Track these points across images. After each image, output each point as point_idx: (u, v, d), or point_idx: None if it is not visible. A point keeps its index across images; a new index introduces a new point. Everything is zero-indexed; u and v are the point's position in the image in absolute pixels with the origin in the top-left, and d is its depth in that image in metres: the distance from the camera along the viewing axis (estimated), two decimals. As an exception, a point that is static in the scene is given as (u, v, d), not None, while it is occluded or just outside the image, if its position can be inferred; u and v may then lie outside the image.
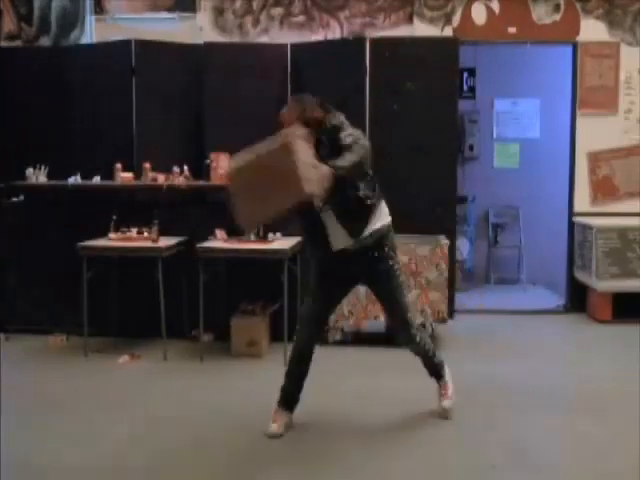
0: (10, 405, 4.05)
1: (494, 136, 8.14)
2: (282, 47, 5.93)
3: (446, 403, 3.97)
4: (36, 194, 5.78)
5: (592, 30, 6.43)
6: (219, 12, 6.54)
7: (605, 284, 6.18)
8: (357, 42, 5.96)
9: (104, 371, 4.90)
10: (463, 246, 7.58)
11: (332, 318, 5.44)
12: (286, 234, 5.35)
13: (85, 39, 6.58)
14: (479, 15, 6.46)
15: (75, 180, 5.63)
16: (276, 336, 5.27)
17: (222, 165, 5.47)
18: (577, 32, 6.45)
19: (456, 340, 5.52)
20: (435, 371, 4.02)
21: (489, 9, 6.45)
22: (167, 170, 5.56)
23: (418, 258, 5.30)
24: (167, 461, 3.48)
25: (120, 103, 5.81)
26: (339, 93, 5.76)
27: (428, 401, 4.27)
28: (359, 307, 5.36)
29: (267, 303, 5.39)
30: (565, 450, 3.64)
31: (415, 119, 5.73)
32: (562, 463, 3.47)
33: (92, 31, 6.61)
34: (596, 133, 6.46)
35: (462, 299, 6.49)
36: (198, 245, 5.12)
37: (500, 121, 8.14)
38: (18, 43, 6.64)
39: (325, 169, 3.28)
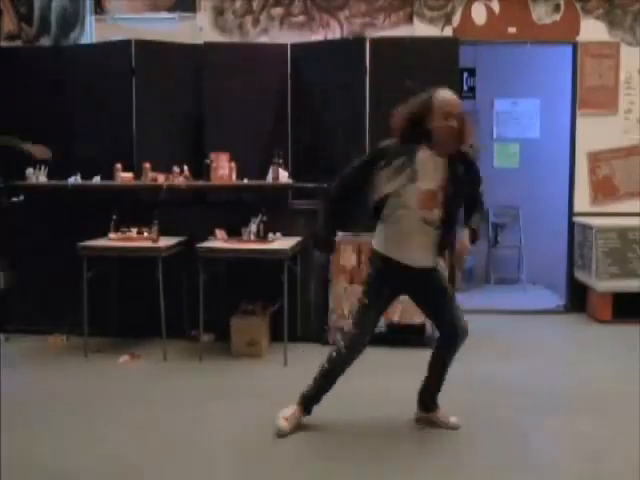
0: (10, 405, 4.05)
1: (494, 136, 8.15)
2: (282, 47, 5.93)
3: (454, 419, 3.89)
4: (36, 194, 5.78)
5: (592, 30, 6.43)
6: (219, 12, 6.54)
7: (605, 284, 6.18)
8: (357, 42, 5.96)
9: (104, 371, 4.90)
10: (463, 246, 7.57)
11: (332, 318, 5.45)
12: (286, 234, 5.36)
13: (85, 39, 6.58)
14: (479, 15, 6.46)
15: (75, 180, 5.62)
16: (276, 336, 5.27)
17: (222, 165, 5.48)
18: (577, 32, 6.45)
19: (456, 340, 5.51)
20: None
21: (489, 9, 6.45)
22: (167, 170, 5.56)
23: (418, 258, 5.29)
24: (167, 461, 3.48)
25: (120, 103, 5.80)
26: (339, 93, 5.79)
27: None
28: (359, 307, 5.36)
29: (267, 303, 5.39)
30: (565, 450, 3.64)
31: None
32: (562, 463, 3.47)
33: (92, 31, 6.61)
34: (596, 133, 6.46)
35: (462, 299, 6.48)
36: (198, 245, 5.12)
37: (500, 121, 8.15)
38: (18, 43, 6.64)
39: (467, 243, 3.57)
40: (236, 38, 6.49)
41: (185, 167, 5.58)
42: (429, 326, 5.50)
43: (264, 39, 6.46)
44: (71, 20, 6.63)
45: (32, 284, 5.76)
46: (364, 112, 5.73)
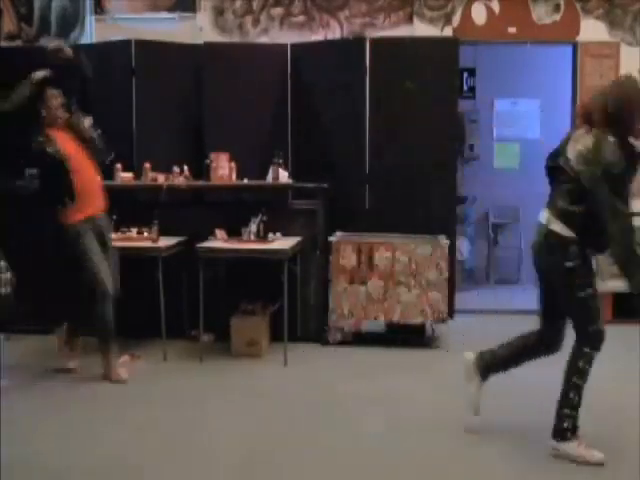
0: (10, 405, 4.05)
1: (494, 136, 8.14)
2: (282, 47, 5.93)
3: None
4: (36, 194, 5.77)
5: (592, 30, 6.43)
6: (219, 12, 6.54)
7: (605, 284, 6.16)
8: (357, 42, 5.97)
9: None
10: (463, 246, 7.58)
11: (332, 318, 5.45)
12: (286, 234, 5.36)
13: (85, 39, 6.59)
14: (479, 15, 6.46)
15: (75, 180, 5.61)
16: (276, 336, 5.26)
17: (222, 165, 5.48)
18: (577, 32, 6.45)
19: (456, 340, 5.51)
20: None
21: (489, 9, 6.45)
22: (167, 170, 5.56)
23: (418, 258, 5.30)
24: (167, 462, 3.48)
25: (120, 103, 5.80)
26: (339, 93, 5.80)
27: (427, 401, 4.28)
28: (359, 307, 5.36)
29: (267, 303, 5.39)
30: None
31: (415, 119, 5.74)
32: (562, 463, 3.46)
33: (92, 31, 6.61)
34: (596, 133, 6.45)
35: (462, 299, 6.49)
36: (198, 245, 5.11)
37: (500, 121, 8.14)
38: (18, 43, 6.65)
39: None
40: (236, 38, 6.50)
41: (185, 167, 5.58)
42: (429, 326, 5.52)
43: (264, 39, 6.47)
44: (71, 20, 6.63)
45: (32, 284, 5.75)
46: (364, 112, 5.74)
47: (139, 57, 5.79)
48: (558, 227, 3.46)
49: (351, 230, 5.67)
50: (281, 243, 5.18)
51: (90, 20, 6.61)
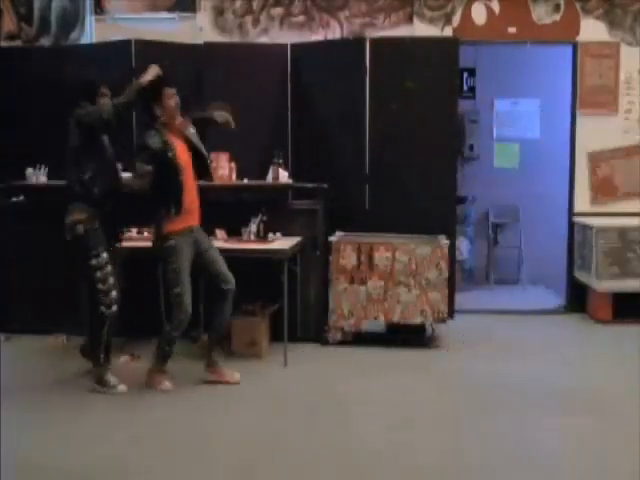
0: (10, 405, 4.05)
1: (494, 136, 8.14)
2: (282, 47, 5.93)
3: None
4: (36, 194, 5.77)
5: (592, 30, 6.43)
6: (219, 12, 6.54)
7: (605, 284, 6.17)
8: (357, 42, 5.97)
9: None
10: (463, 246, 7.58)
11: (332, 318, 5.45)
12: (286, 234, 5.35)
13: (85, 39, 6.58)
14: (479, 15, 6.45)
15: (75, 180, 5.61)
16: (276, 336, 5.26)
17: (222, 165, 5.48)
18: (577, 32, 6.45)
19: (456, 340, 5.52)
20: None
21: (489, 9, 6.45)
22: (167, 170, 5.54)
23: (418, 258, 5.30)
24: (167, 462, 3.48)
25: (120, 103, 5.79)
26: (339, 93, 5.80)
27: (427, 401, 4.28)
28: (359, 307, 5.37)
29: (267, 303, 5.39)
30: (565, 450, 3.64)
31: (415, 119, 5.74)
32: (562, 463, 3.47)
33: (92, 31, 6.61)
34: (596, 133, 6.46)
35: (462, 299, 6.49)
36: (198, 245, 5.10)
37: (500, 121, 8.14)
38: (18, 43, 6.64)
39: None
40: (236, 38, 6.49)
41: (185, 167, 5.56)
42: (429, 326, 5.52)
43: (264, 39, 6.46)
44: (71, 20, 6.63)
45: (32, 284, 5.76)
46: (364, 112, 5.74)
47: (139, 57, 5.78)
48: None
49: (351, 230, 5.67)
50: (281, 243, 5.18)
51: (90, 20, 6.61)
